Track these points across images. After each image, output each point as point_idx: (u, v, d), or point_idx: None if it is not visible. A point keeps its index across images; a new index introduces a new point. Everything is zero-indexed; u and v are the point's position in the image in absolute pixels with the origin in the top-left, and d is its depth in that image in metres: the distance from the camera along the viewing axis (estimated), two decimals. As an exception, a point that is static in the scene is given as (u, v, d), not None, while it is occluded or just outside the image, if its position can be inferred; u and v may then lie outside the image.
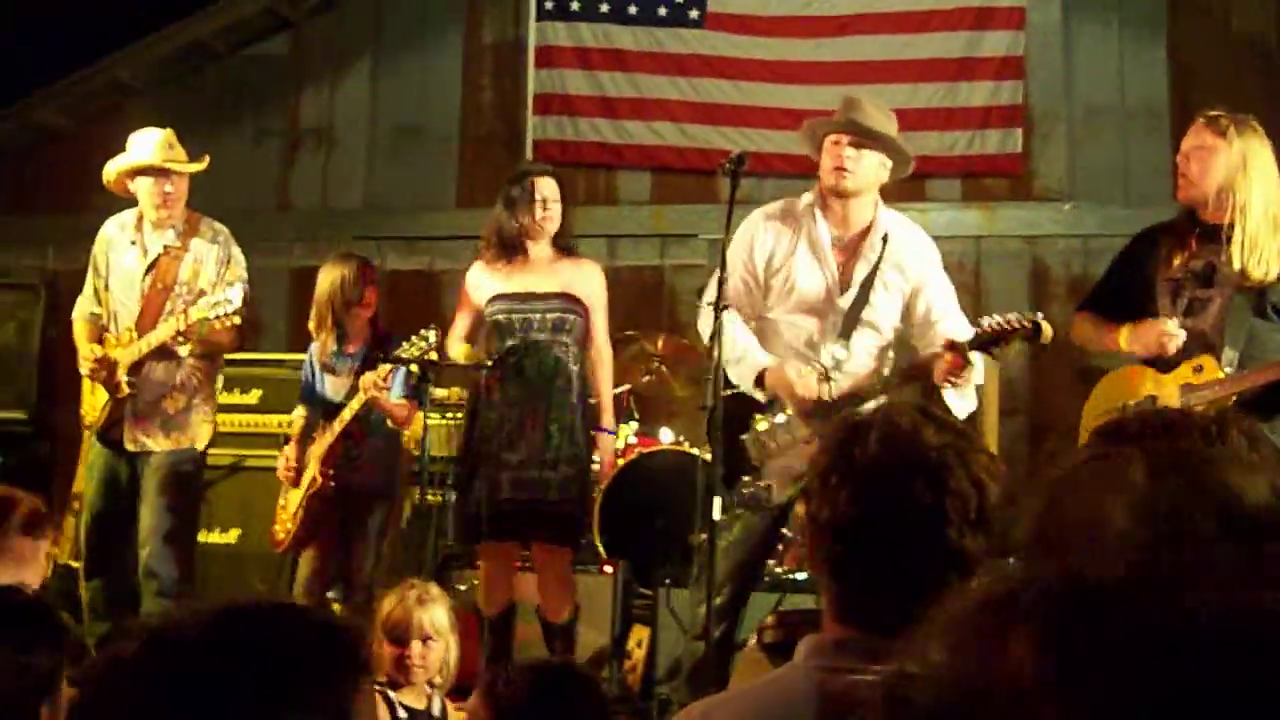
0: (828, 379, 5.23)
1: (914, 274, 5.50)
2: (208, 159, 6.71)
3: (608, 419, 6.46)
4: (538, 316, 6.14)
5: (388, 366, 6.24)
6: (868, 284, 5.42)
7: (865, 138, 5.40)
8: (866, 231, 5.51)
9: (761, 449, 5.26)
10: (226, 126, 10.61)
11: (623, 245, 9.91)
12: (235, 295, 6.18)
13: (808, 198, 5.60)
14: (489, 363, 6.22)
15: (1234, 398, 4.61)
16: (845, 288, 5.43)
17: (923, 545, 2.02)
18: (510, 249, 6.27)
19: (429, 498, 7.19)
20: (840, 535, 2.07)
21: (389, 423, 6.49)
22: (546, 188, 6.26)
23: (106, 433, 6.48)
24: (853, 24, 9.79)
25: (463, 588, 6.88)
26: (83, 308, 6.71)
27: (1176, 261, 4.87)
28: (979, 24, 9.66)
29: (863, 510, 2.04)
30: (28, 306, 9.04)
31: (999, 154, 9.66)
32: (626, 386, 7.89)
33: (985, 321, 5.09)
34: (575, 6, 10.06)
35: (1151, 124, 9.59)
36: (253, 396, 7.86)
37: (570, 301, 6.19)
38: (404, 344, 6.25)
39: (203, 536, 7.53)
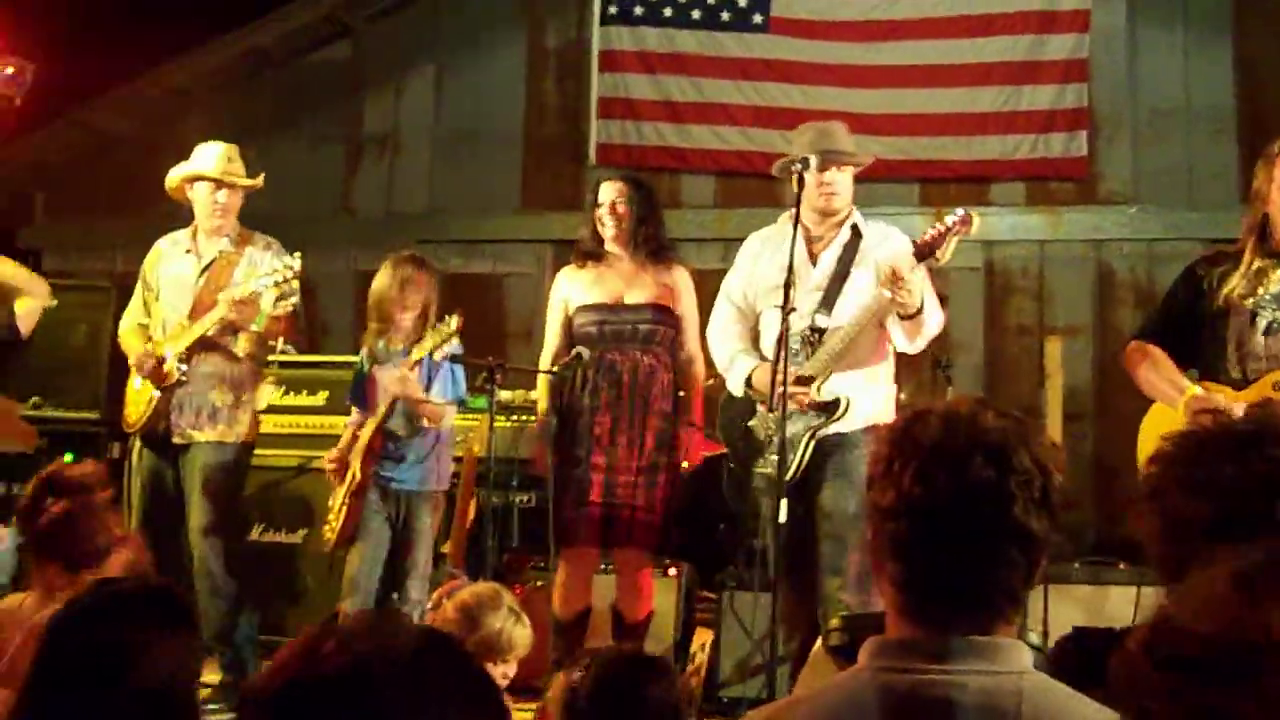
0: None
1: (884, 258, 5.54)
2: (263, 176, 6.80)
3: (698, 413, 6.44)
4: (628, 328, 6.15)
5: (412, 359, 6.25)
6: (843, 262, 5.64)
7: (843, 163, 5.73)
8: (838, 223, 5.77)
9: (765, 431, 5.53)
10: (286, 132, 10.70)
11: (687, 249, 9.87)
12: (292, 263, 6.30)
13: (785, 217, 5.75)
14: (556, 367, 6.22)
15: None
16: (814, 262, 5.65)
17: (988, 522, 2.01)
18: (587, 255, 6.32)
19: (494, 499, 7.22)
20: (905, 516, 2.05)
21: (427, 423, 6.48)
22: (605, 192, 6.28)
23: (151, 429, 6.52)
24: (916, 28, 9.77)
25: (529, 585, 6.92)
26: (130, 319, 6.79)
27: (1240, 290, 4.79)
28: (1043, 27, 9.62)
29: (927, 489, 2.03)
30: (97, 308, 9.15)
31: (1063, 157, 9.61)
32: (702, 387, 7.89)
33: (920, 236, 5.37)
34: (639, 11, 10.08)
35: (1217, 126, 9.52)
36: (319, 398, 7.91)
37: (660, 312, 6.20)
38: (423, 335, 6.27)
39: (269, 536, 7.60)
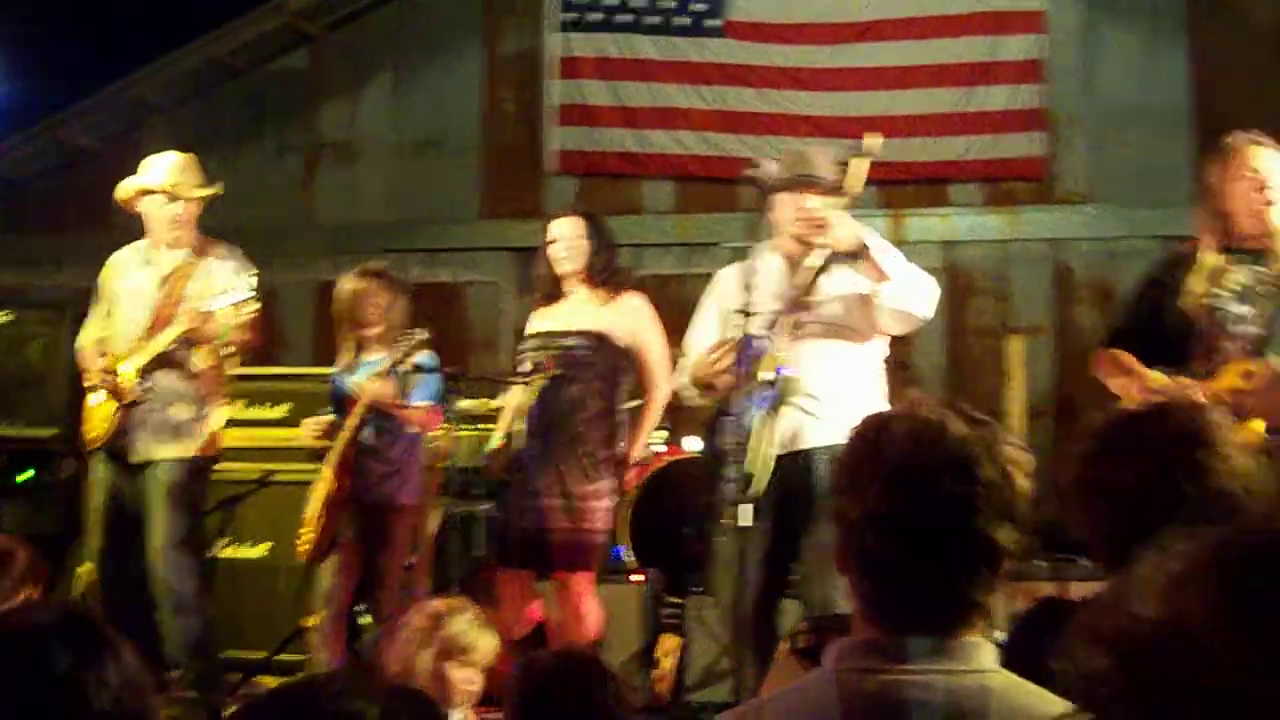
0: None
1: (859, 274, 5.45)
2: (220, 186, 6.73)
3: (634, 449, 6.37)
4: (559, 354, 6.09)
5: (381, 369, 6.23)
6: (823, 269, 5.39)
7: (822, 190, 5.40)
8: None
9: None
10: (248, 142, 10.69)
11: (647, 254, 9.92)
12: (243, 285, 6.24)
13: (763, 245, 5.56)
14: (514, 379, 6.21)
15: None
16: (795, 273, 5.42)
17: (954, 536, 2.02)
18: (546, 295, 6.27)
19: (457, 508, 7.20)
20: (872, 530, 2.05)
21: (407, 429, 6.46)
22: (556, 228, 6.19)
23: (111, 446, 6.45)
24: (872, 30, 9.81)
25: (495, 594, 6.91)
26: (88, 334, 6.69)
27: (1198, 287, 4.81)
28: (999, 28, 9.67)
29: (894, 504, 2.03)
30: (54, 324, 9.06)
31: (1021, 158, 9.67)
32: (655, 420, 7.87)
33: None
34: (595, 17, 10.09)
35: (1173, 126, 9.59)
36: (280, 410, 7.86)
37: (593, 339, 6.11)
38: (397, 341, 6.25)
39: (232, 551, 7.55)
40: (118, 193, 6.62)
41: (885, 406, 5.45)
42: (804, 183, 5.38)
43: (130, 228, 6.94)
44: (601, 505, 6.06)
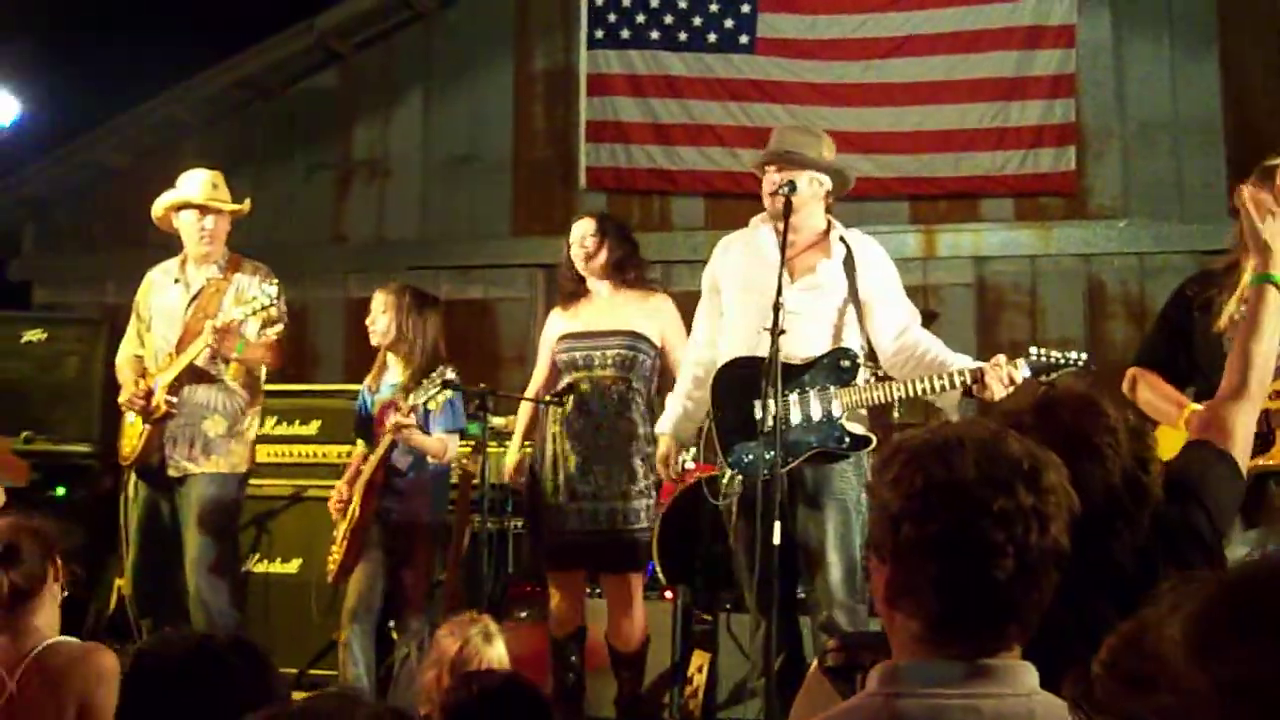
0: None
1: (871, 283, 5.58)
2: (249, 202, 6.80)
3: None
4: (599, 354, 6.15)
5: (409, 404, 6.26)
6: (830, 280, 5.53)
7: (789, 164, 5.59)
8: (822, 240, 5.62)
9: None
10: (279, 161, 10.75)
11: (678, 271, 9.90)
12: (271, 290, 6.30)
13: (758, 218, 5.81)
14: (547, 397, 6.24)
15: None
16: (794, 277, 5.45)
17: (1030, 546, 2.04)
18: (570, 294, 6.37)
19: (489, 525, 7.21)
20: (947, 552, 2.06)
21: (430, 460, 6.48)
22: (577, 229, 6.31)
23: (146, 462, 6.50)
24: (903, 46, 9.80)
25: (524, 614, 6.91)
26: (126, 351, 6.78)
27: (1230, 311, 4.78)
28: (1029, 43, 9.64)
29: (972, 521, 2.05)
30: (90, 341, 9.14)
31: (1052, 172, 9.63)
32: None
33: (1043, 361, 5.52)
34: (626, 34, 10.11)
35: (1205, 139, 9.54)
36: (311, 427, 7.90)
37: (634, 339, 6.19)
38: (419, 386, 6.28)
39: (264, 567, 7.58)
40: (154, 209, 6.72)
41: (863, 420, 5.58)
42: (781, 159, 5.61)
43: (163, 245, 7.01)
44: (648, 505, 6.14)
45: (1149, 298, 9.19)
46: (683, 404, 5.87)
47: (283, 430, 7.87)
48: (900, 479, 2.13)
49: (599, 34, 10.17)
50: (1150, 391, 4.95)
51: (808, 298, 5.46)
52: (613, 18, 10.15)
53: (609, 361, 6.14)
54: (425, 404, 6.21)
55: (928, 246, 9.69)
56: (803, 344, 5.38)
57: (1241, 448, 3.21)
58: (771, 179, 5.61)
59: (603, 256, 6.24)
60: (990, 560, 2.04)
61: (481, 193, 10.44)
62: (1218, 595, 0.95)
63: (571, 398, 6.11)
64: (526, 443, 6.49)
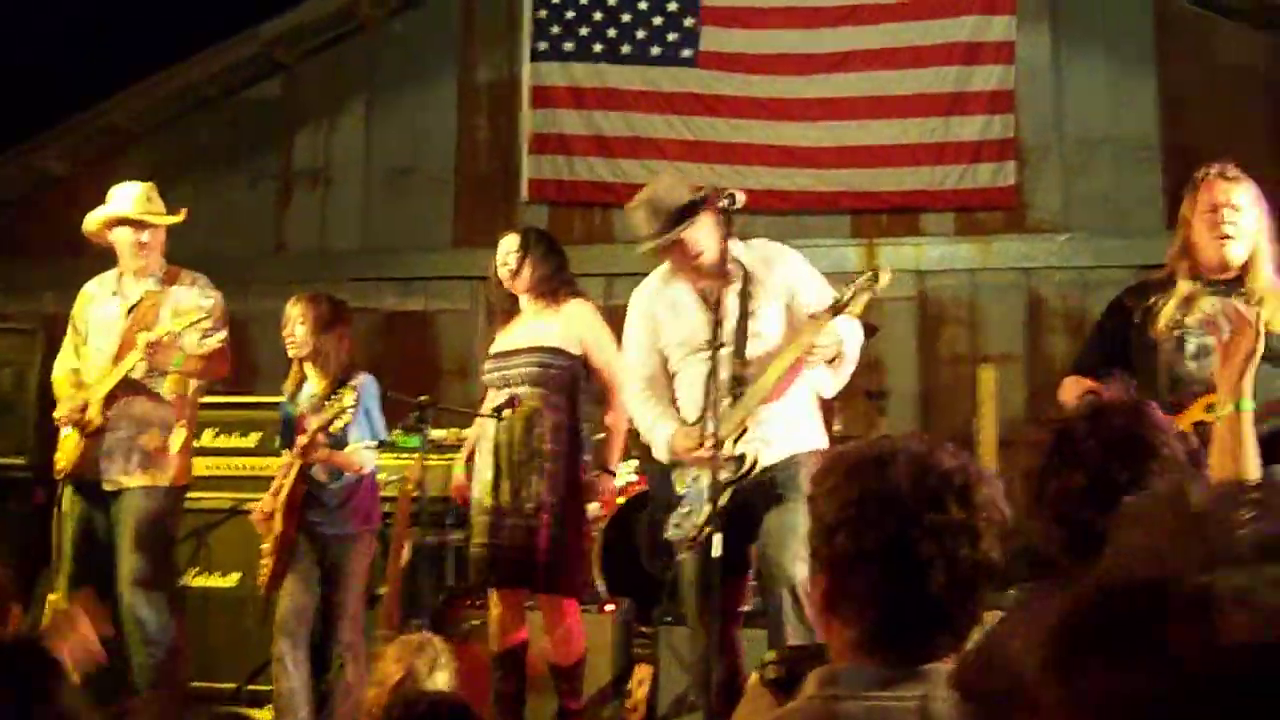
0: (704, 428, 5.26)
1: (778, 283, 5.52)
2: (185, 212, 6.75)
3: (613, 459, 6.46)
4: (514, 372, 6.15)
5: (315, 425, 6.25)
6: (743, 305, 5.45)
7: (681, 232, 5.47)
8: (721, 267, 5.49)
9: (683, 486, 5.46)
10: (222, 170, 10.68)
11: (620, 283, 9.90)
12: (206, 304, 6.27)
13: (664, 268, 5.75)
14: (488, 411, 6.24)
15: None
16: (720, 318, 5.34)
17: (962, 561, 2.08)
18: (504, 312, 6.38)
19: (430, 538, 7.19)
20: (879, 560, 2.11)
21: (349, 474, 6.45)
22: (501, 246, 6.33)
23: (80, 476, 6.44)
24: (844, 61, 9.85)
25: (465, 626, 6.88)
26: (63, 364, 6.72)
27: (1169, 316, 4.87)
28: (969, 59, 9.72)
29: (904, 533, 2.08)
30: (25, 351, 9.04)
31: (992, 187, 9.71)
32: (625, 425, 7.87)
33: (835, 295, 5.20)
34: (569, 46, 10.11)
35: (1143, 154, 9.65)
36: (251, 439, 7.85)
37: (545, 353, 6.18)
38: (325, 403, 6.27)
39: (203, 580, 7.52)
40: (86, 225, 6.66)
41: (819, 424, 5.58)
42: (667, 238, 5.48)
43: (102, 254, 6.95)
44: (582, 521, 6.12)
45: (1089, 312, 9.24)
46: (662, 410, 5.67)
47: (222, 442, 7.81)
48: (836, 490, 2.17)
49: (542, 46, 10.17)
50: (1080, 394, 4.92)
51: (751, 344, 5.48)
52: (556, 30, 10.15)
53: (523, 379, 6.14)
54: (327, 428, 6.20)
55: (868, 260, 9.71)
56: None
57: None
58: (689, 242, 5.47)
59: (526, 273, 6.24)
60: (922, 572, 2.07)
61: (424, 204, 10.41)
62: (1079, 606, 0.94)
63: (510, 412, 6.10)
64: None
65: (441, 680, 4.49)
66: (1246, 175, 4.96)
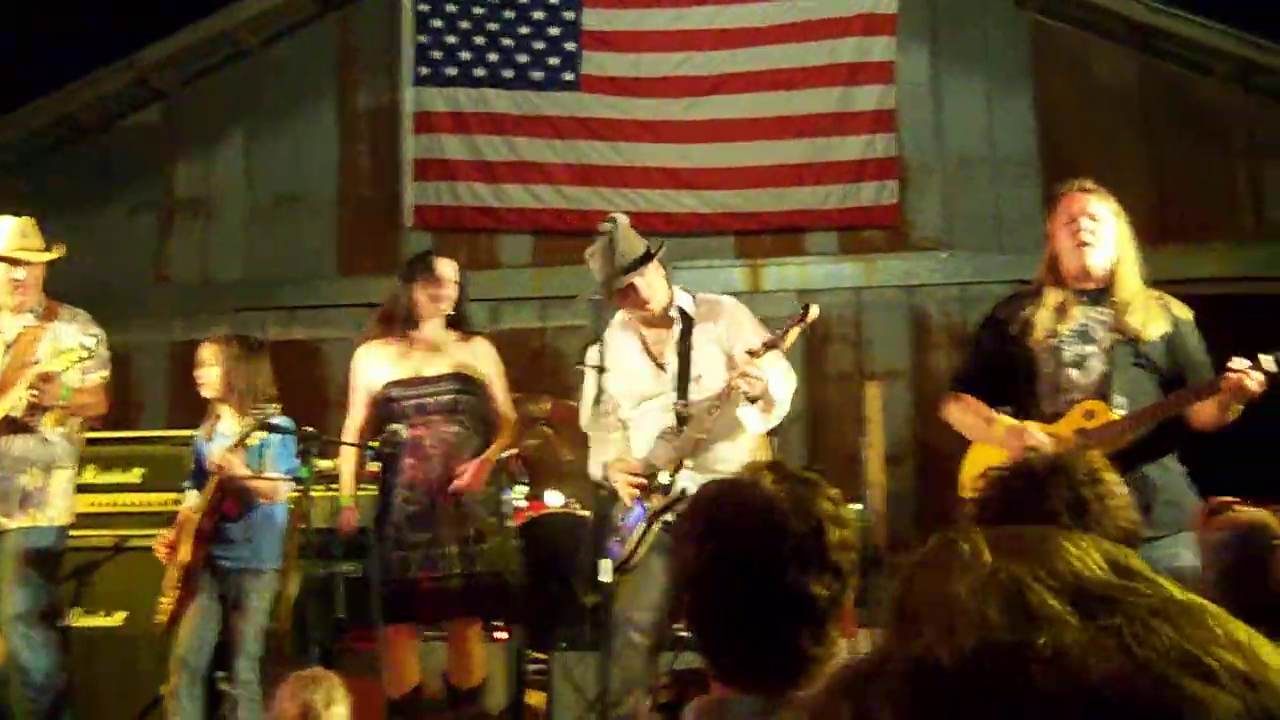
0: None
1: (721, 334, 5.70)
2: (62, 248, 6.62)
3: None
4: (431, 399, 6.13)
5: (230, 442, 6.20)
6: (684, 353, 5.65)
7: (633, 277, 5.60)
8: (666, 316, 5.72)
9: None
10: (101, 200, 10.51)
11: (505, 309, 9.92)
12: (89, 342, 6.17)
13: (620, 317, 5.85)
14: (375, 443, 6.19)
15: (1129, 438, 4.71)
16: (663, 366, 5.66)
17: (764, 589, 2.09)
18: (401, 323, 6.27)
19: (319, 570, 7.10)
20: (692, 586, 2.15)
21: (260, 500, 6.39)
22: (448, 268, 6.31)
23: None
24: (725, 83, 9.91)
25: (359, 659, 6.81)
26: None
27: (1045, 326, 4.97)
28: (850, 79, 9.82)
29: (711, 561, 2.11)
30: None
31: (875, 206, 9.81)
32: (514, 451, 7.85)
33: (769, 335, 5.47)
34: (451, 72, 10.08)
35: (1021, 172, 9.81)
36: (134, 475, 7.68)
37: (462, 381, 6.20)
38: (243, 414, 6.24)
39: (87, 620, 7.35)
40: None
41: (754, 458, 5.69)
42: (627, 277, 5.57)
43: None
44: (482, 549, 6.10)
45: (971, 327, 9.34)
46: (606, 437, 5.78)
47: (104, 479, 7.65)
48: (693, 532, 2.17)
49: (424, 71, 10.13)
50: (961, 411, 5.14)
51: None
52: (438, 55, 10.12)
53: (441, 406, 6.12)
54: (242, 441, 6.15)
55: (753, 280, 9.79)
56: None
57: None
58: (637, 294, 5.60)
59: (451, 305, 6.30)
60: (722, 600, 2.11)
61: (307, 232, 10.33)
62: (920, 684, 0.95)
63: (402, 444, 6.06)
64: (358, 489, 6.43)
65: (339, 716, 4.44)
66: (1108, 191, 5.08)
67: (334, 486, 7.17)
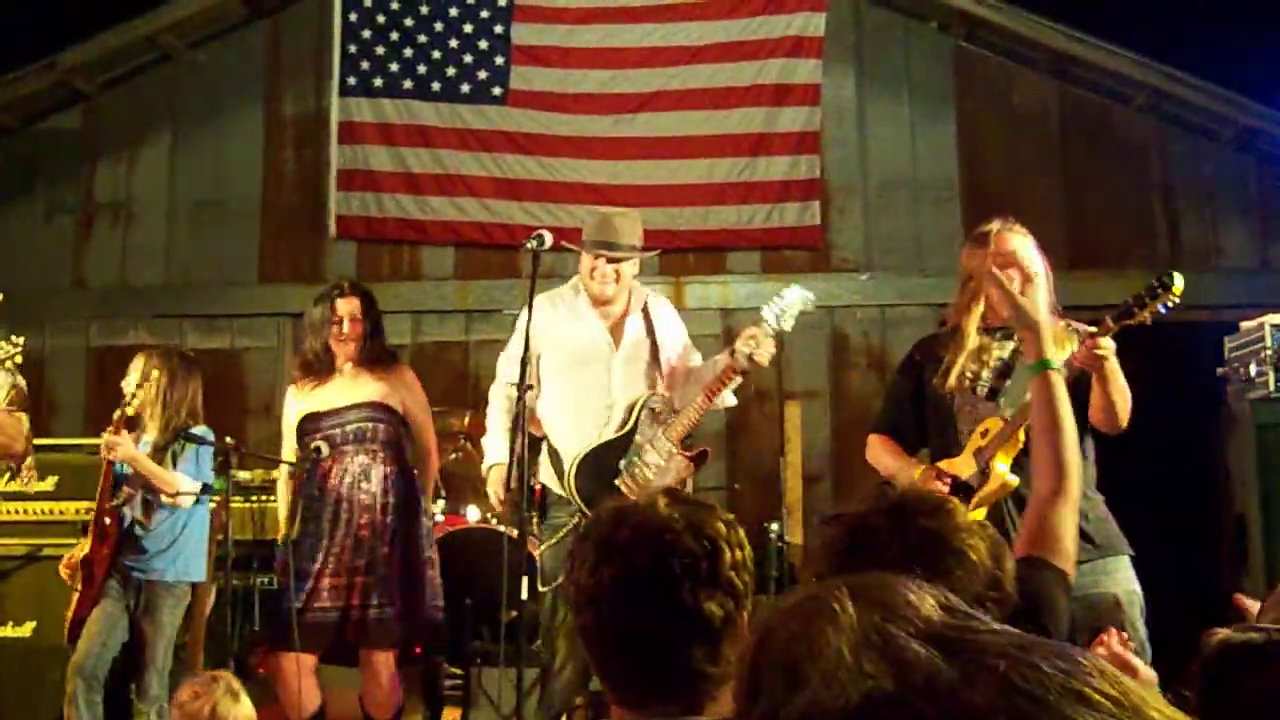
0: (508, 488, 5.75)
1: (672, 337, 6.05)
2: None
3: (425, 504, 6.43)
4: (338, 431, 6.09)
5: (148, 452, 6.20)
6: (639, 339, 5.93)
7: (621, 255, 5.85)
8: (627, 306, 5.98)
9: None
10: (18, 202, 10.39)
11: (427, 321, 9.91)
12: (13, 349, 6.09)
13: (573, 282, 6.06)
14: (291, 459, 6.15)
15: (1021, 442, 4.73)
16: (618, 344, 5.89)
17: (658, 608, 2.10)
18: (316, 371, 6.25)
19: (234, 582, 7.05)
20: (584, 608, 2.15)
21: (165, 500, 6.32)
22: (345, 307, 6.22)
23: None
24: (652, 100, 9.95)
25: (264, 673, 6.77)
26: None
27: (960, 369, 4.97)
28: (776, 100, 9.88)
29: (599, 580, 2.12)
30: None
31: (798, 226, 9.87)
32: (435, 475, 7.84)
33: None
34: (378, 82, 10.05)
35: (942, 195, 9.92)
36: (48, 483, 7.59)
37: (374, 410, 6.16)
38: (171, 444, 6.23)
39: (-3, 630, 7.26)
40: None
41: None
42: (606, 249, 5.81)
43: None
44: (385, 578, 6.03)
45: (889, 348, 9.48)
46: (504, 435, 5.88)
47: (17, 487, 7.56)
48: (589, 554, 2.20)
49: (351, 81, 10.09)
50: (883, 455, 5.19)
51: (632, 368, 5.89)
52: (366, 65, 10.09)
53: (349, 436, 6.08)
54: (163, 449, 6.11)
55: (676, 298, 9.80)
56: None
57: (1070, 551, 3.08)
58: (603, 270, 5.82)
59: (359, 341, 6.21)
60: (612, 620, 2.12)
61: (229, 239, 10.24)
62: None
63: (317, 460, 6.03)
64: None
65: (245, 709, 4.41)
66: (1022, 218, 5.14)
67: (254, 498, 7.15)
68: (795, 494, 8.87)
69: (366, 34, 10.09)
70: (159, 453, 6.26)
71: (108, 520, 6.33)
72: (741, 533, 2.20)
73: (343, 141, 10.07)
